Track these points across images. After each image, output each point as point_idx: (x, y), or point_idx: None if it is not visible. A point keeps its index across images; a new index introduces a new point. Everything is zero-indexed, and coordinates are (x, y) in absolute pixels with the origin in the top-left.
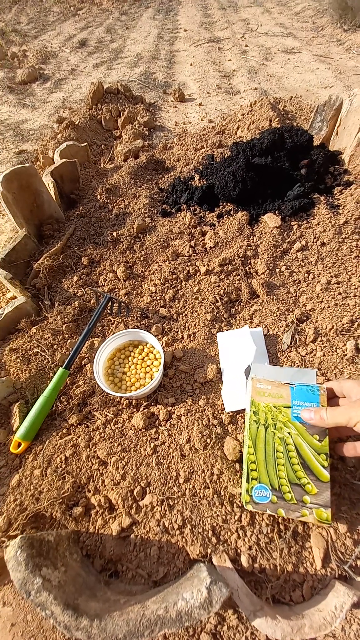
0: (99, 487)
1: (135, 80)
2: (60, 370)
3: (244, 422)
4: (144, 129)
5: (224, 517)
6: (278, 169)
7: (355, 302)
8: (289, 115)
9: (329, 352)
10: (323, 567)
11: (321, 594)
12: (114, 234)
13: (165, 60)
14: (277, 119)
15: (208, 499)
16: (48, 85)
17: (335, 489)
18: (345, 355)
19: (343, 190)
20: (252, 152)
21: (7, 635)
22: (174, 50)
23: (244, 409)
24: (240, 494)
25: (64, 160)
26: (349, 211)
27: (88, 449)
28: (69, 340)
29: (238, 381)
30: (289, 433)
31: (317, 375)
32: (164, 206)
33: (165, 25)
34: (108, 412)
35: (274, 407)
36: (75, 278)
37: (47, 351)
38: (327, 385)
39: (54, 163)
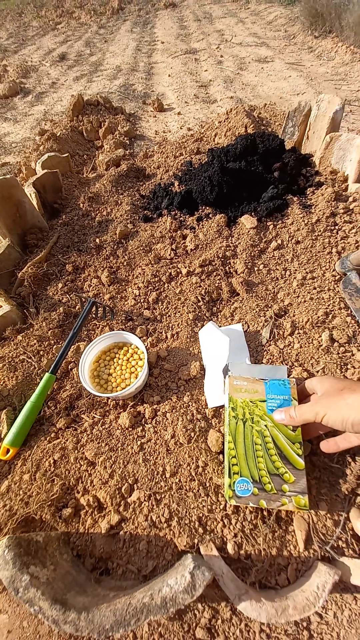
0: (88, 487)
1: (115, 91)
2: (47, 375)
3: (223, 418)
4: (125, 138)
5: (209, 507)
6: (252, 173)
7: (329, 295)
8: (264, 122)
9: (305, 343)
10: (306, 549)
11: (305, 575)
12: (97, 240)
13: (144, 71)
14: (252, 126)
15: (194, 491)
16: (29, 98)
17: (316, 473)
18: (321, 345)
19: (315, 191)
20: (227, 157)
21: None
22: (152, 62)
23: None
24: (225, 483)
25: (45, 170)
26: (320, 210)
27: (76, 451)
28: (55, 346)
29: (218, 378)
30: (265, 425)
31: (287, 370)
32: (145, 212)
33: (142, 37)
34: (95, 414)
35: (251, 401)
36: (60, 285)
37: (33, 358)
38: (300, 387)
39: (36, 174)
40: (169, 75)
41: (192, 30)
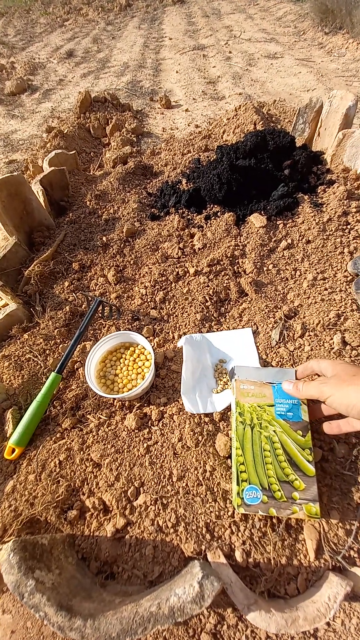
0: (93, 489)
1: (122, 88)
2: (53, 374)
3: (231, 423)
4: (132, 135)
5: (217, 513)
6: (262, 170)
7: (341, 296)
8: (273, 119)
9: (316, 346)
10: (317, 559)
11: (315, 586)
12: (104, 238)
13: (152, 68)
14: (261, 122)
15: (201, 496)
16: (37, 95)
17: (327, 480)
18: (333, 348)
19: (326, 189)
20: (236, 154)
21: None
22: (159, 59)
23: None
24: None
25: (52, 168)
26: (332, 209)
27: (82, 452)
28: (61, 345)
29: (194, 386)
30: (274, 431)
31: (296, 374)
32: (152, 210)
33: (150, 34)
34: (101, 414)
35: (258, 406)
36: (66, 283)
37: (39, 357)
38: (309, 365)
39: (43, 171)
40: (177, 72)
41: (200, 27)
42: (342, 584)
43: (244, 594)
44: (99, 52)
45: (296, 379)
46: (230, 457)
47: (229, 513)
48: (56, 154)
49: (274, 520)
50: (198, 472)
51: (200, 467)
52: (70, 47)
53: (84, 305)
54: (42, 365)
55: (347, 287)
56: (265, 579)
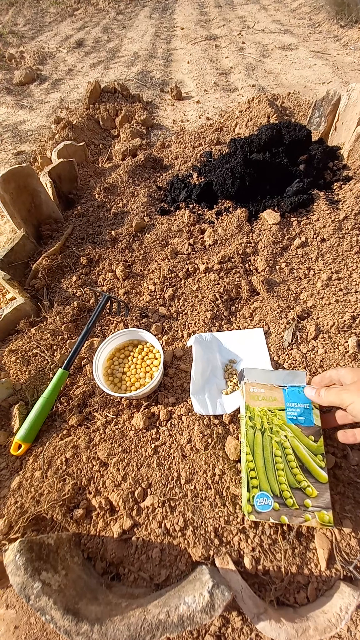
0: (100, 488)
1: (132, 79)
2: (60, 370)
3: (240, 427)
4: (142, 127)
5: (226, 518)
6: (276, 165)
7: (357, 298)
8: (287, 112)
9: (330, 349)
10: (328, 568)
11: (326, 595)
12: (113, 233)
13: (162, 58)
14: (275, 115)
15: (210, 499)
16: (45, 85)
17: (340, 488)
18: (347, 352)
19: (342, 186)
20: (250, 148)
21: (11, 637)
22: (171, 49)
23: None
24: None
25: (61, 160)
26: (348, 206)
27: (88, 450)
28: (68, 341)
29: (204, 387)
30: (285, 436)
31: (307, 376)
32: (162, 204)
33: (161, 23)
34: (108, 412)
35: (269, 410)
36: (74, 278)
37: (46, 352)
38: (327, 374)
39: (52, 163)
40: (188, 62)
41: (213, 17)
42: (354, 594)
43: (253, 602)
44: (109, 42)
45: (307, 384)
46: (240, 461)
47: (239, 518)
48: (65, 146)
49: (285, 528)
50: (207, 476)
51: (210, 471)
52: (80, 37)
53: (91, 301)
54: (49, 360)
55: None
56: (275, 587)
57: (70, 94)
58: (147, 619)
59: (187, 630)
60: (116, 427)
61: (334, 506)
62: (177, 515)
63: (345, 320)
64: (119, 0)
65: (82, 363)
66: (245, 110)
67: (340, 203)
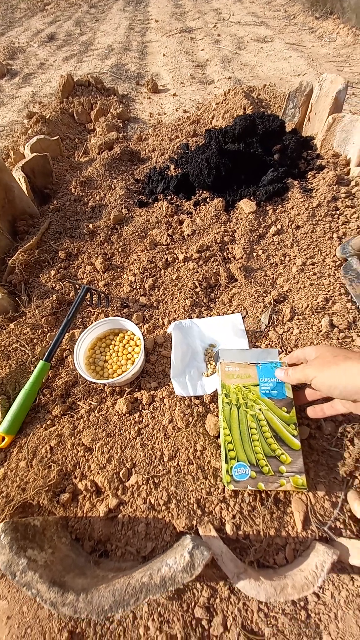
0: (85, 472)
1: (107, 72)
2: (41, 362)
3: (217, 405)
4: (118, 121)
5: (207, 489)
6: (251, 155)
7: (330, 281)
8: (263, 103)
9: (305, 329)
10: (304, 530)
11: (303, 555)
12: (91, 226)
13: (137, 51)
14: (251, 107)
15: (192, 474)
16: (16, 80)
17: (314, 457)
18: (321, 331)
19: (316, 175)
20: (225, 138)
21: (4, 627)
22: (145, 41)
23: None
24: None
25: (34, 154)
26: (321, 194)
27: (73, 437)
28: (48, 334)
29: (184, 370)
30: (259, 409)
31: (279, 353)
32: (140, 197)
33: (135, 16)
34: (92, 400)
35: (243, 386)
36: (52, 272)
37: (27, 346)
38: (294, 355)
39: (25, 158)
40: (164, 55)
41: (188, 9)
42: (328, 552)
43: (233, 564)
44: (82, 35)
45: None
46: (219, 436)
47: (220, 489)
48: (38, 140)
49: (263, 495)
50: (189, 452)
51: (191, 447)
52: (52, 31)
53: (71, 294)
54: (29, 354)
55: (336, 271)
56: (255, 549)
57: (42, 88)
58: (131, 583)
59: (169, 590)
60: (100, 413)
61: (309, 473)
62: (161, 491)
63: (318, 302)
64: None
65: (64, 355)
66: (222, 103)
67: (313, 191)
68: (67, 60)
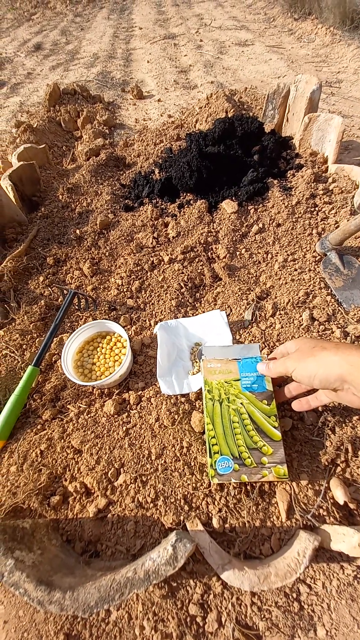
0: (75, 474)
1: (92, 80)
2: (30, 368)
3: (201, 401)
4: (104, 127)
5: (194, 485)
6: (231, 157)
7: (310, 276)
8: (245, 106)
9: (286, 323)
10: (288, 519)
11: (288, 544)
12: (78, 232)
13: (122, 58)
14: (233, 110)
15: (179, 470)
16: (4, 90)
17: (297, 447)
18: (302, 325)
19: (295, 173)
20: (205, 141)
21: (1, 632)
22: (130, 49)
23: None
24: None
25: (21, 163)
26: (300, 192)
27: (62, 440)
28: (37, 339)
29: (170, 369)
30: (241, 403)
31: (260, 348)
32: (126, 201)
33: (120, 24)
34: (81, 403)
35: (225, 382)
36: (41, 278)
37: (16, 352)
38: (277, 351)
39: (13, 167)
40: (148, 62)
41: (171, 15)
42: (310, 539)
43: (218, 555)
44: (68, 44)
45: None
46: (204, 432)
47: (205, 484)
48: (25, 149)
49: (249, 487)
50: (175, 449)
51: (178, 444)
52: (38, 41)
53: (60, 299)
54: (19, 360)
55: (316, 266)
56: (240, 541)
57: (30, 98)
58: (116, 578)
59: (153, 583)
60: (89, 416)
61: (293, 463)
62: (148, 489)
63: (299, 297)
64: (76, 2)
65: (53, 359)
66: (205, 107)
67: (293, 189)
68: (53, 69)
